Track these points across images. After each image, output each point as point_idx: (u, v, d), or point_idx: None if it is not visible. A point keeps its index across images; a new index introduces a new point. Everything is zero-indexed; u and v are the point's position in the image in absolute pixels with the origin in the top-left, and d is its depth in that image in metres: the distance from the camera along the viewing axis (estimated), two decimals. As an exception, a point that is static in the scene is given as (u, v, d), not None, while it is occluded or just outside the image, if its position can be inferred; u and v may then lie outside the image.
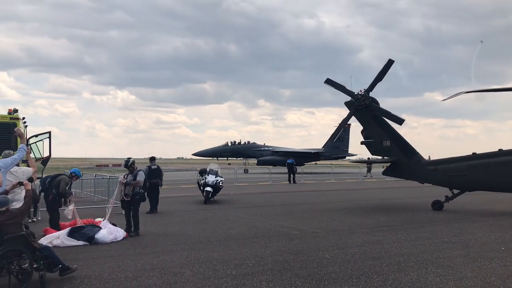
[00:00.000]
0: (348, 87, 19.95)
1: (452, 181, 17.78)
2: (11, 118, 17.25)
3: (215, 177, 20.90)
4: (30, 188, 7.60)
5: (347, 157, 67.54)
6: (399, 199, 22.65)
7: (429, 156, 21.25)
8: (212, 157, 65.65)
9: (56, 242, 10.76)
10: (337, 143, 63.35)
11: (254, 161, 64.03)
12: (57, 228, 12.06)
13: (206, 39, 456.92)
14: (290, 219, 15.34)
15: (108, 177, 22.46)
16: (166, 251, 10.17)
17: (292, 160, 37.35)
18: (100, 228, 11.40)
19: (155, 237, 12.02)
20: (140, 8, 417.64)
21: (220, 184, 21.19)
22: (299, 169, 43.00)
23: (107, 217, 12.48)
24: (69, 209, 12.34)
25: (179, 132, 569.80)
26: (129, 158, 12.99)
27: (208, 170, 21.39)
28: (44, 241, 10.48)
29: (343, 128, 22.51)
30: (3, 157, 8.60)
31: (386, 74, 19.14)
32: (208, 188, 20.31)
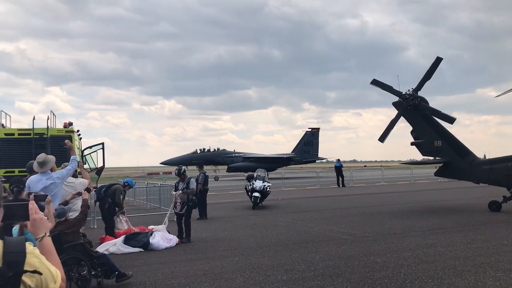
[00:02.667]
0: (396, 87, 19.57)
1: (511, 180, 16.99)
2: (66, 132, 18.04)
3: (263, 183, 21.00)
4: (87, 198, 7.94)
5: (316, 161, 67.53)
6: (453, 200, 21.88)
7: (484, 155, 20.48)
8: (182, 165, 64.44)
9: (113, 249, 11.19)
10: (307, 148, 63.05)
11: (225, 167, 62.62)
12: (113, 235, 12.52)
13: (249, 45, 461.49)
14: (340, 223, 15.17)
15: (159, 185, 23.05)
16: (217, 257, 10.33)
17: (340, 163, 36.83)
18: (154, 235, 11.76)
19: (206, 243, 12.22)
20: (183, 18, 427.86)
21: (268, 189, 21.25)
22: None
23: (165, 225, 12.81)
24: (121, 221, 12.84)
25: (226, 138, 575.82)
26: (180, 167, 13.36)
27: (255, 175, 21.52)
28: (101, 248, 10.96)
29: (392, 128, 22.01)
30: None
31: (435, 72, 18.63)
32: (256, 194, 20.43)
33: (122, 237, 11.64)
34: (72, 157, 8.99)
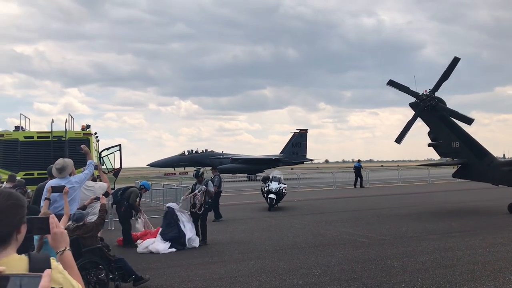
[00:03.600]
0: (412, 87, 19.38)
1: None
2: (84, 134, 18.27)
3: (278, 184, 20.99)
4: (104, 202, 8.03)
5: (304, 162, 67.29)
6: (471, 202, 21.58)
7: (504, 155, 20.20)
8: (169, 167, 64.95)
9: (152, 247, 11.48)
10: (295, 149, 62.75)
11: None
12: (130, 238, 12.65)
13: (265, 45, 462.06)
14: (356, 225, 15.09)
15: (176, 187, 23.20)
16: (233, 260, 10.36)
17: (360, 164, 36.60)
18: (188, 234, 12.05)
19: (222, 245, 12.27)
20: (199, 19, 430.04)
21: (284, 191, 21.23)
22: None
23: (179, 204, 13.04)
24: (140, 222, 13.02)
25: (242, 138, 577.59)
26: (199, 169, 13.47)
27: (271, 177, 21.51)
28: (140, 248, 11.37)
29: (408, 130, 21.82)
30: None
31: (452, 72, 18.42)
32: (272, 195, 20.42)
33: (160, 236, 11.86)
34: (88, 161, 9.10)
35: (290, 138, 64.21)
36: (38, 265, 2.01)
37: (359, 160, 37.40)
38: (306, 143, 63.96)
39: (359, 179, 35.64)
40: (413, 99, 19.31)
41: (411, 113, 19.70)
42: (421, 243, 11.65)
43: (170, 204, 12.92)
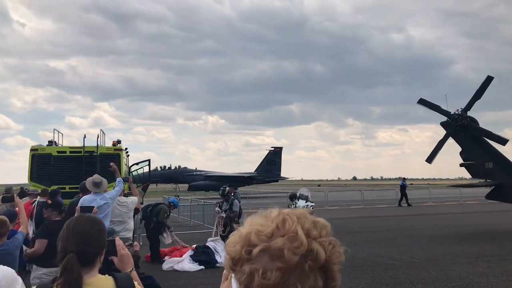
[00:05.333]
0: (443, 105, 19.04)
1: None
2: (115, 150, 18.60)
3: (305, 202, 20.76)
4: (138, 249, 8.12)
5: (279, 181, 66.21)
6: (506, 224, 20.82)
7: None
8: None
9: (177, 266, 11.51)
10: (270, 167, 61.72)
11: (186, 186, 60.98)
12: (157, 254, 12.73)
13: (292, 61, 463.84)
14: (386, 246, 14.78)
15: (203, 203, 23.30)
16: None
17: (404, 182, 36.07)
18: (218, 253, 12.06)
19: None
20: (227, 35, 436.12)
21: (311, 209, 20.98)
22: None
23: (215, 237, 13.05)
24: (166, 237, 13.11)
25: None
26: (225, 187, 13.53)
27: (298, 195, 21.32)
28: (166, 265, 11.42)
29: (440, 149, 21.40)
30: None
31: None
32: (299, 214, 20.24)
33: (187, 254, 11.93)
34: (118, 179, 9.31)
35: (265, 156, 63.77)
36: (124, 284, 2.29)
37: (404, 179, 36.95)
38: (280, 161, 63.45)
39: (404, 198, 35.34)
40: (444, 118, 18.96)
41: (441, 130, 19.35)
42: (453, 267, 11.32)
43: (209, 244, 12.78)
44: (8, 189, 17.53)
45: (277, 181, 66.82)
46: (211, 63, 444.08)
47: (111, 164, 9.98)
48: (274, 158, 62.97)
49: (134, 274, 2.59)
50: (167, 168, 60.46)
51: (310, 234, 1.16)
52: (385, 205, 35.24)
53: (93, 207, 7.22)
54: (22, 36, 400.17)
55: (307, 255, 1.12)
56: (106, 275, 2.30)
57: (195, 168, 63.08)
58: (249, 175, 60.79)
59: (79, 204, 8.14)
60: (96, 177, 8.86)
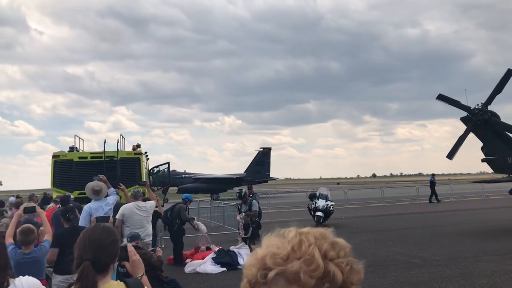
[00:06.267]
0: (462, 100, 18.77)
1: None
2: (135, 154, 18.81)
3: (325, 202, 20.75)
4: (160, 254, 8.22)
5: (269, 181, 65.40)
6: (531, 220, 20.47)
7: None
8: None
9: (199, 269, 11.61)
10: (259, 168, 60.95)
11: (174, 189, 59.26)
12: (180, 257, 12.84)
13: (307, 59, 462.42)
14: (408, 244, 14.64)
15: (223, 204, 23.40)
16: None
17: (433, 178, 35.83)
18: (241, 255, 12.12)
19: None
20: (241, 35, 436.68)
21: (331, 208, 20.96)
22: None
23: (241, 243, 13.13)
24: (202, 230, 13.25)
25: (285, 153, 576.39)
26: (241, 189, 13.62)
27: (318, 194, 21.32)
28: (188, 268, 11.52)
29: (460, 145, 21.11)
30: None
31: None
32: (319, 213, 20.22)
33: (209, 257, 12.01)
34: (110, 189, 9.61)
35: (254, 157, 63.28)
36: None
37: (433, 175, 36.72)
38: (269, 161, 62.94)
39: (433, 194, 35.25)
40: (464, 113, 18.70)
41: (461, 125, 19.07)
42: (477, 264, 11.16)
43: (233, 249, 12.86)
44: (31, 195, 17.86)
45: (266, 181, 66.20)
46: (226, 64, 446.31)
47: (119, 184, 10.44)
48: (263, 158, 62.55)
49: (145, 279, 2.69)
50: (155, 171, 60.66)
51: (328, 255, 1.14)
52: (406, 202, 34.91)
53: (109, 217, 7.32)
54: (40, 44, 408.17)
55: (324, 277, 1.10)
56: (118, 281, 2.46)
57: (183, 171, 62.94)
58: (237, 176, 60.49)
59: (84, 211, 8.30)
60: (96, 184, 9.05)
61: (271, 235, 1.24)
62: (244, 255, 12.11)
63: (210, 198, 41.05)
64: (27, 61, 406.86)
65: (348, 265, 1.16)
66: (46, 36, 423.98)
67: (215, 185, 58.37)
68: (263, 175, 62.64)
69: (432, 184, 35.78)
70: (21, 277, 2.92)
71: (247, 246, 12.62)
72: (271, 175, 64.23)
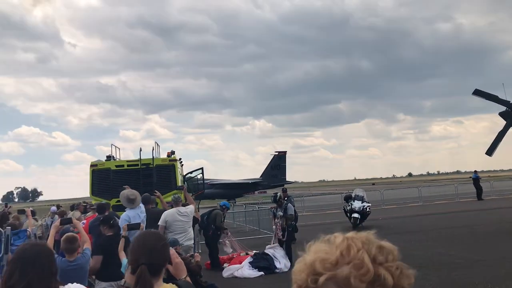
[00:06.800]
0: (501, 95, 18.17)
1: None
2: (170, 161, 19.09)
3: (362, 203, 20.45)
4: (199, 259, 8.28)
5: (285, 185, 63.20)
6: None
7: None
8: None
9: (237, 273, 11.67)
10: (274, 172, 59.57)
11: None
12: (217, 261, 12.91)
13: (336, 59, 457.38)
14: (450, 245, 14.24)
15: (257, 208, 23.41)
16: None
17: (477, 175, 34.98)
18: (277, 259, 12.10)
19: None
20: (269, 39, 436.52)
21: (368, 209, 20.64)
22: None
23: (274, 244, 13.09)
24: (228, 245, 13.27)
25: (318, 154, 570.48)
26: (276, 193, 13.56)
27: (353, 195, 21.05)
28: (226, 272, 11.61)
29: (500, 141, 20.43)
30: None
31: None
32: (356, 215, 19.94)
33: (247, 261, 12.05)
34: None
35: (270, 161, 62.39)
36: None
37: (475, 171, 35.88)
38: (285, 165, 62.01)
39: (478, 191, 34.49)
40: (503, 108, 18.09)
41: (500, 120, 18.44)
42: (525, 264, 10.74)
43: (267, 251, 12.71)
44: (77, 204, 18.35)
45: (283, 185, 65.75)
46: (255, 68, 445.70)
47: (155, 191, 10.66)
48: (278, 162, 61.92)
49: (188, 281, 2.80)
50: None
51: (376, 259, 1.13)
52: (444, 201, 34.05)
53: (140, 224, 7.39)
54: (73, 56, 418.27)
55: (374, 281, 1.09)
56: (170, 284, 2.54)
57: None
58: (253, 181, 60.05)
59: (122, 220, 8.38)
60: (131, 193, 9.15)
61: (317, 241, 1.23)
62: (279, 257, 12.06)
63: (244, 203, 41.12)
64: (61, 73, 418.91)
65: (398, 269, 1.14)
66: (79, 49, 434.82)
67: (231, 191, 57.88)
68: (279, 179, 61.62)
69: (476, 180, 34.84)
70: (69, 284, 2.99)
71: (281, 248, 12.56)
72: (287, 179, 63.44)
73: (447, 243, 14.54)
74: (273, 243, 13.06)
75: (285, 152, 64.04)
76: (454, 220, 21.69)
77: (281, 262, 11.99)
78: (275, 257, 12.10)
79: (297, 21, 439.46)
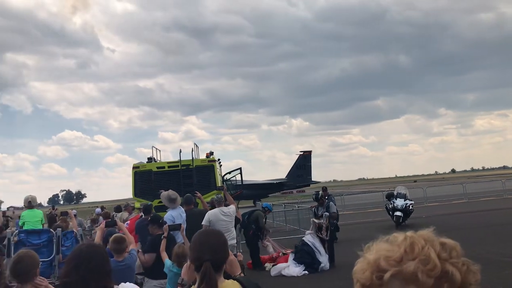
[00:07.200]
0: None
1: None
2: (209, 161, 19.33)
3: (404, 201, 20.02)
4: (241, 259, 8.35)
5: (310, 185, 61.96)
6: None
7: None
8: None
9: (284, 272, 11.73)
10: (300, 172, 58.15)
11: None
12: (258, 261, 12.96)
13: (373, 55, 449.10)
14: (497, 243, 13.73)
15: (297, 208, 23.34)
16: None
17: None
18: (316, 249, 12.06)
19: (350, 268, 11.84)
20: (304, 37, 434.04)
21: (411, 207, 20.18)
22: None
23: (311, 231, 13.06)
24: (269, 246, 13.30)
25: (357, 152, 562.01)
26: (317, 192, 13.47)
27: (395, 193, 20.64)
28: (273, 271, 11.73)
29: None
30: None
31: None
32: (398, 213, 19.53)
33: (291, 259, 12.05)
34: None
35: (295, 161, 61.34)
36: (250, 286, 2.60)
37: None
38: (310, 165, 60.86)
39: None
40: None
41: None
42: None
43: (306, 239, 12.72)
44: (126, 205, 18.88)
45: (308, 185, 64.07)
46: (290, 66, 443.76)
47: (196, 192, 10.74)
48: (304, 162, 61.01)
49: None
50: None
51: (441, 256, 1.13)
52: (491, 198, 32.89)
53: (181, 224, 7.48)
54: (112, 61, 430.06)
55: (442, 277, 1.09)
56: (231, 280, 2.58)
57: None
58: (278, 181, 59.35)
59: (167, 220, 8.49)
60: (172, 193, 9.28)
61: (377, 242, 1.24)
62: (319, 247, 11.99)
63: (283, 202, 41.08)
64: (101, 78, 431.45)
65: (464, 265, 1.15)
66: (117, 53, 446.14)
67: (255, 191, 56.80)
68: (304, 179, 61.28)
69: None
70: (123, 283, 3.07)
71: (317, 236, 12.44)
72: (312, 179, 62.88)
73: (496, 241, 14.04)
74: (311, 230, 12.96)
75: (310, 152, 63.44)
76: (503, 217, 20.88)
77: (322, 254, 11.92)
78: (315, 247, 12.00)
79: (332, 18, 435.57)
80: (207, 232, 2.75)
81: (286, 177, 61.94)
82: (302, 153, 62.51)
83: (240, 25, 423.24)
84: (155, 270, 6.65)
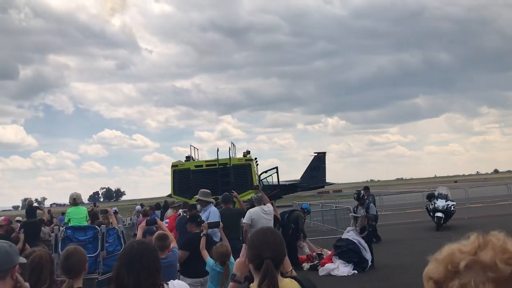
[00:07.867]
0: None
1: None
2: (246, 160, 19.48)
3: (446, 202, 19.49)
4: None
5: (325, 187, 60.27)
6: None
7: None
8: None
9: (333, 272, 11.72)
10: (314, 173, 56.78)
11: None
12: (296, 260, 12.94)
13: (412, 52, 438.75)
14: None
15: (335, 208, 23.14)
16: (403, 285, 9.85)
17: None
18: (362, 246, 11.99)
19: (390, 269, 11.77)
20: (340, 34, 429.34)
21: (452, 208, 19.63)
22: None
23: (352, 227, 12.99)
24: (306, 246, 13.30)
25: (394, 151, 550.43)
26: (359, 191, 13.33)
27: (436, 194, 20.14)
28: (322, 272, 11.76)
29: None
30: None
31: None
32: (439, 214, 19.03)
33: (338, 260, 12.01)
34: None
35: (310, 162, 60.14)
36: (308, 285, 2.59)
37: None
38: (325, 166, 59.57)
39: None
40: None
41: None
42: None
43: (348, 236, 12.64)
44: (171, 202, 19.30)
45: (323, 187, 63.51)
46: (326, 64, 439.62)
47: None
48: (318, 163, 59.82)
49: (294, 274, 2.78)
50: None
51: None
52: (538, 199, 31.59)
53: (219, 222, 7.51)
54: (150, 62, 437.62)
55: None
56: (289, 278, 2.58)
57: None
58: (291, 183, 57.98)
59: (203, 217, 8.55)
60: (207, 192, 9.37)
61: (447, 244, 1.25)
62: (363, 243, 11.88)
63: (320, 202, 40.82)
64: (139, 79, 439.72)
65: None
66: (155, 54, 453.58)
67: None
68: (319, 181, 60.33)
69: None
70: (172, 280, 3.13)
71: (357, 233, 12.32)
72: (327, 180, 61.86)
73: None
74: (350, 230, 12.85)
75: (324, 153, 62.78)
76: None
77: (367, 250, 11.83)
78: (360, 244, 11.90)
79: (369, 15, 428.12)
80: (265, 230, 2.72)
81: (300, 178, 61.32)
82: (316, 154, 61.94)
83: (276, 24, 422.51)
84: (190, 269, 6.74)
